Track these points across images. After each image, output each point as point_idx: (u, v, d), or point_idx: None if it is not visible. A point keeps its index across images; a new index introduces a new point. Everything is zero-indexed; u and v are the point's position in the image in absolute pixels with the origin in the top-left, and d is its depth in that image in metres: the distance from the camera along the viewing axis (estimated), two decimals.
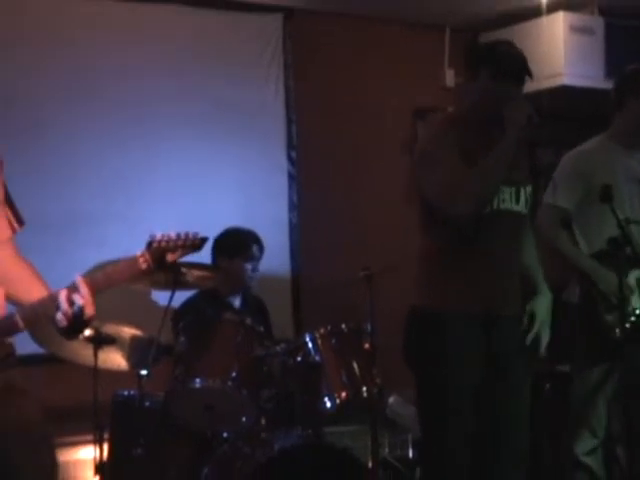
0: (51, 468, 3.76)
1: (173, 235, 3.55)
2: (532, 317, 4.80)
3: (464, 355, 4.67)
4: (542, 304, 4.84)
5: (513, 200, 4.72)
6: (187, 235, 3.59)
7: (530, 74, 4.74)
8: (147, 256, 3.53)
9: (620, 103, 5.44)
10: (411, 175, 4.94)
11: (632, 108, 5.39)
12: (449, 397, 4.67)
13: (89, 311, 3.53)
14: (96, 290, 3.54)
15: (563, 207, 5.26)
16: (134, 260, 3.54)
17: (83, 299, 3.50)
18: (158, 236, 3.54)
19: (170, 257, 3.56)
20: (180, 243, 3.57)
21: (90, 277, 3.55)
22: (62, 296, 3.50)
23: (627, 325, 5.09)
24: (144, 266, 3.53)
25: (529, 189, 4.78)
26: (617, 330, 5.03)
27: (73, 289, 3.51)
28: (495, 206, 4.63)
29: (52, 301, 3.53)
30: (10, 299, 3.75)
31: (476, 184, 4.52)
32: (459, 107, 4.98)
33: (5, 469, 3.60)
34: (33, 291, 3.69)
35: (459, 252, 4.72)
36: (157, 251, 3.54)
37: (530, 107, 4.57)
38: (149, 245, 3.53)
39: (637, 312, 5.19)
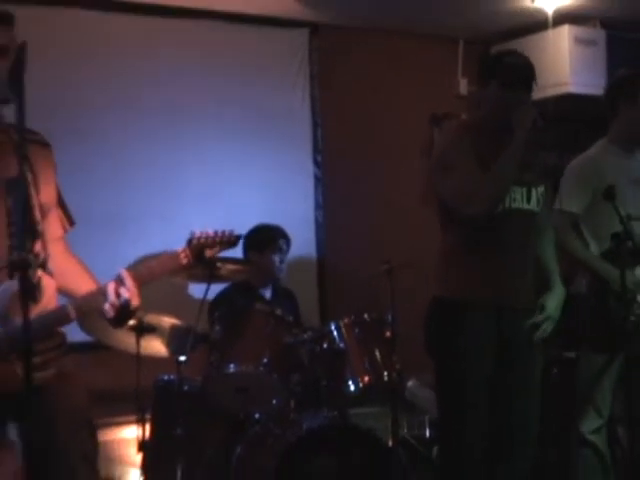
0: (93, 453, 3.76)
1: (211, 232, 3.66)
2: (542, 308, 4.78)
3: (479, 346, 4.66)
4: (553, 300, 4.81)
5: (524, 199, 4.70)
6: (224, 232, 3.69)
7: (535, 82, 4.72)
8: (187, 252, 3.62)
9: (613, 108, 5.38)
10: (428, 178, 4.91)
11: (624, 113, 5.31)
12: (467, 390, 4.66)
13: (134, 302, 3.56)
14: (140, 283, 3.58)
15: (573, 212, 5.21)
16: (176, 255, 3.63)
17: (129, 292, 3.53)
18: (197, 233, 3.64)
19: (209, 253, 3.66)
20: (218, 240, 3.67)
21: (134, 271, 3.59)
22: (110, 289, 3.54)
23: (632, 318, 5.03)
24: (185, 261, 3.62)
25: (541, 189, 4.76)
26: (626, 320, 4.96)
27: (119, 282, 3.54)
28: (507, 205, 4.62)
29: (101, 293, 3.56)
30: (62, 292, 3.74)
31: (489, 187, 4.52)
32: (472, 115, 4.92)
33: (50, 452, 3.58)
34: (83, 284, 3.72)
35: (474, 249, 4.70)
36: (197, 247, 3.63)
37: (535, 111, 4.55)
38: (189, 242, 3.63)
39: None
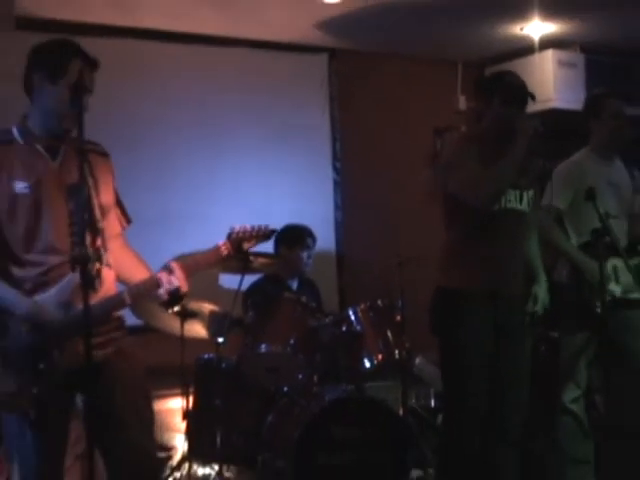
0: (150, 418, 3.81)
1: (249, 227, 3.75)
2: (535, 299, 4.85)
3: (478, 327, 4.68)
4: (542, 290, 4.90)
5: (517, 201, 4.74)
6: (260, 227, 3.77)
7: (533, 97, 4.75)
8: (228, 245, 3.71)
9: (588, 124, 5.42)
10: (432, 181, 4.94)
11: (596, 128, 5.37)
12: (467, 375, 4.69)
13: (183, 289, 3.66)
14: (187, 272, 3.67)
15: (559, 207, 5.23)
16: (217, 248, 3.71)
17: (178, 280, 3.63)
18: (237, 228, 3.73)
19: (246, 245, 3.75)
20: (254, 234, 3.76)
21: (182, 262, 3.68)
22: (163, 277, 3.63)
23: (604, 303, 5.04)
24: (225, 252, 3.70)
25: (531, 193, 4.80)
26: (597, 306, 4.98)
27: (170, 271, 3.64)
28: (502, 205, 4.65)
29: (154, 281, 3.65)
30: (120, 280, 3.81)
31: (490, 184, 4.53)
32: (475, 127, 4.93)
33: (111, 418, 3.62)
34: (138, 273, 3.79)
35: (473, 244, 4.73)
36: (236, 240, 3.72)
37: (537, 120, 4.61)
38: (229, 235, 3.72)
39: (614, 295, 5.14)
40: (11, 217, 3.55)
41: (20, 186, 3.54)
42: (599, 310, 4.94)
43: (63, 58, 3.56)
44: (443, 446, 5.07)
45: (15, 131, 3.64)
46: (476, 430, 4.68)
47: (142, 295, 3.70)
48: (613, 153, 5.45)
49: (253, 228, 3.76)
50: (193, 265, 3.71)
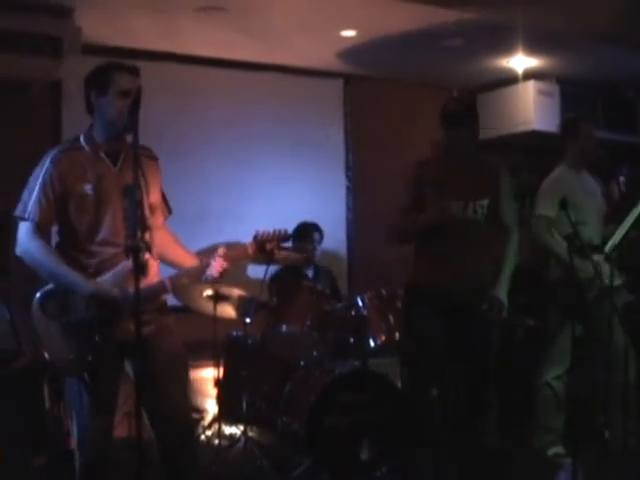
0: (186, 384, 3.87)
1: (271, 231, 3.79)
2: (491, 302, 4.69)
3: (427, 313, 4.71)
4: (503, 292, 4.73)
5: (460, 209, 4.68)
6: (280, 231, 3.81)
7: (465, 122, 4.70)
8: (253, 245, 3.77)
9: (564, 143, 5.46)
10: None
11: (572, 147, 5.42)
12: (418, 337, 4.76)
13: (226, 268, 3.73)
14: (228, 260, 3.73)
15: (547, 215, 5.24)
16: (245, 248, 3.78)
17: (223, 262, 3.72)
18: (261, 231, 3.78)
19: (268, 246, 3.80)
20: (275, 237, 3.80)
21: (226, 252, 3.74)
22: (214, 259, 3.71)
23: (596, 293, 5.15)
24: (251, 251, 3.77)
25: (480, 202, 4.72)
26: (589, 297, 5.12)
27: (220, 255, 3.71)
28: (445, 215, 4.63)
29: (204, 264, 3.73)
30: (165, 261, 3.90)
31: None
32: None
33: (155, 384, 3.66)
34: (179, 255, 3.91)
35: (425, 248, 4.79)
36: (260, 242, 3.77)
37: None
38: (255, 238, 3.78)
39: (600, 285, 5.13)
40: (79, 213, 3.62)
41: (87, 187, 3.60)
42: (591, 301, 5.08)
43: (106, 72, 3.65)
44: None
45: (82, 139, 3.70)
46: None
47: (186, 281, 3.78)
48: (583, 167, 5.49)
49: (274, 232, 3.80)
50: (230, 257, 3.75)
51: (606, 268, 5.01)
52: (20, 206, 3.63)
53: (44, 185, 3.58)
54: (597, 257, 5.08)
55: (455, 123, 4.66)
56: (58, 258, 3.59)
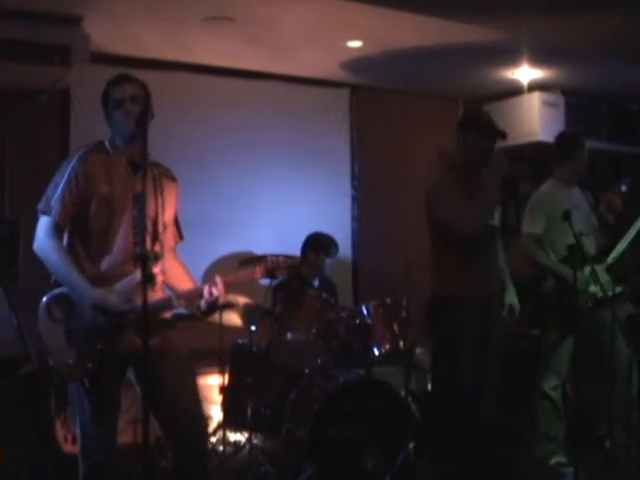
0: (195, 390, 3.83)
1: (281, 259, 3.76)
2: (511, 307, 5.03)
3: (467, 324, 4.72)
4: (513, 297, 5.07)
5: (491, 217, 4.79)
6: (289, 259, 3.82)
7: (504, 136, 4.77)
8: (262, 271, 3.73)
9: (557, 158, 5.48)
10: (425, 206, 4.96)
11: (565, 162, 5.42)
12: (459, 350, 4.72)
13: (222, 300, 3.68)
14: (228, 287, 3.68)
15: (536, 232, 5.26)
16: (254, 271, 3.73)
17: (219, 292, 3.64)
18: (269, 257, 3.75)
19: (277, 273, 3.86)
20: (285, 264, 3.79)
21: (225, 278, 3.68)
22: (205, 290, 3.65)
23: (588, 304, 5.18)
24: (259, 276, 3.73)
25: (498, 209, 4.87)
26: (579, 306, 5.09)
27: (214, 284, 3.64)
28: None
29: (198, 292, 3.69)
30: (168, 285, 3.86)
31: (476, 214, 4.60)
32: (452, 156, 4.95)
33: (161, 386, 3.66)
34: (183, 283, 3.84)
35: (460, 257, 4.74)
36: (270, 268, 3.75)
37: (506, 159, 4.66)
38: (265, 265, 3.74)
39: (597, 296, 5.19)
40: (98, 215, 3.63)
41: (105, 189, 3.61)
42: (578, 311, 5.05)
43: (106, 89, 3.70)
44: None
45: (107, 143, 3.72)
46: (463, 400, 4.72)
47: (186, 303, 3.76)
48: (574, 181, 5.50)
49: (285, 259, 3.79)
50: (234, 280, 3.74)
51: (604, 278, 5.04)
52: (44, 200, 3.63)
53: (69, 182, 3.59)
54: (598, 267, 5.11)
55: (493, 134, 4.76)
56: (71, 261, 3.58)
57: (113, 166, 3.66)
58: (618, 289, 5.23)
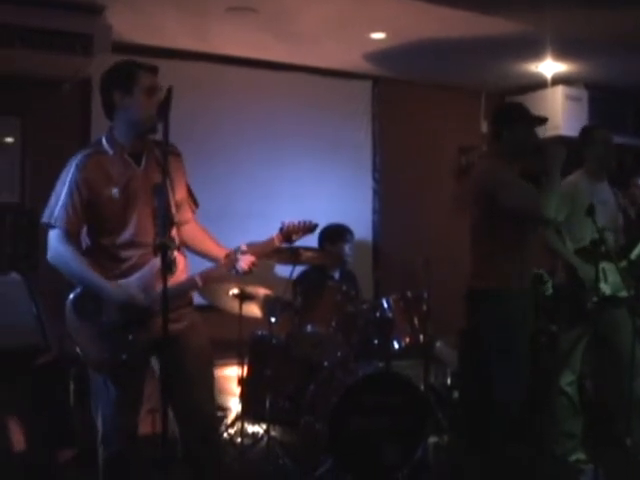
0: (211, 382, 3.86)
1: (296, 222, 3.87)
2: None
3: (523, 320, 4.74)
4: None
5: None
6: (305, 222, 3.90)
7: (545, 121, 4.93)
8: (280, 236, 3.85)
9: (582, 151, 5.45)
10: (460, 198, 4.96)
11: (589, 155, 5.40)
12: (518, 347, 4.72)
13: (255, 262, 3.76)
14: (254, 254, 3.76)
15: (558, 219, 5.23)
16: (272, 239, 3.85)
17: (250, 257, 3.74)
18: (287, 222, 3.87)
19: (294, 237, 3.88)
20: (301, 227, 3.88)
21: (249, 247, 3.77)
22: (240, 254, 3.73)
23: (595, 300, 5.06)
24: (278, 242, 3.85)
25: None
26: (589, 304, 5.02)
27: (242, 252, 3.74)
28: None
29: (231, 258, 3.74)
30: (196, 252, 3.95)
31: (545, 200, 4.61)
32: (497, 147, 4.90)
33: (181, 380, 3.68)
34: (210, 246, 3.93)
35: (512, 246, 4.73)
36: (287, 232, 3.85)
37: (564, 148, 4.69)
38: (281, 229, 3.86)
39: (605, 294, 5.13)
40: (106, 216, 3.62)
41: (113, 191, 3.60)
42: (590, 307, 4.99)
43: (129, 71, 3.64)
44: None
45: (104, 142, 3.69)
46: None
47: (214, 277, 3.79)
48: (602, 175, 5.47)
49: (300, 223, 3.86)
50: (257, 249, 3.78)
51: (614, 278, 5.03)
52: (47, 212, 3.62)
53: (70, 191, 3.57)
54: (605, 264, 5.09)
55: (537, 124, 4.86)
56: (87, 264, 3.58)
57: (114, 166, 3.64)
58: (632, 291, 5.19)
